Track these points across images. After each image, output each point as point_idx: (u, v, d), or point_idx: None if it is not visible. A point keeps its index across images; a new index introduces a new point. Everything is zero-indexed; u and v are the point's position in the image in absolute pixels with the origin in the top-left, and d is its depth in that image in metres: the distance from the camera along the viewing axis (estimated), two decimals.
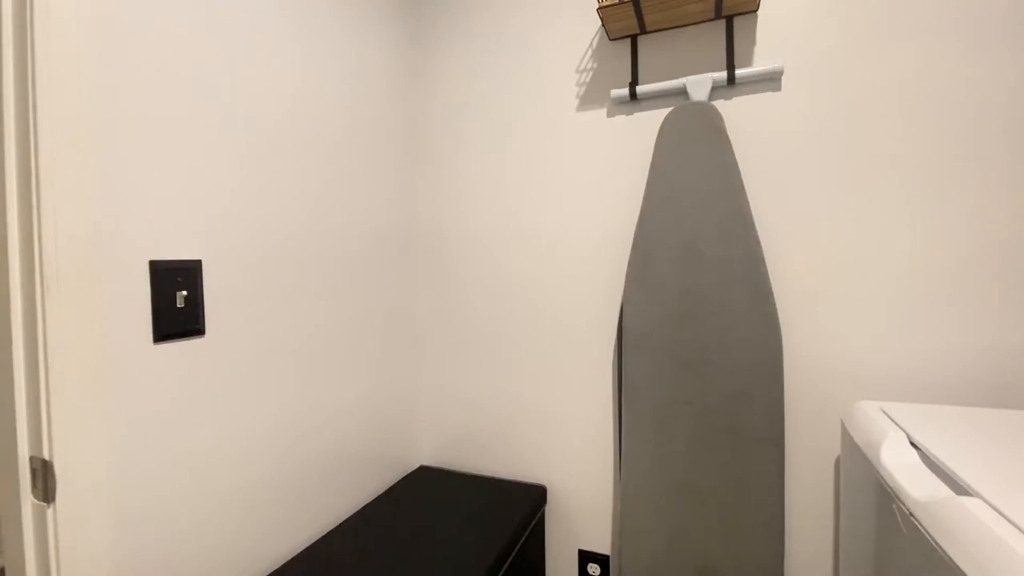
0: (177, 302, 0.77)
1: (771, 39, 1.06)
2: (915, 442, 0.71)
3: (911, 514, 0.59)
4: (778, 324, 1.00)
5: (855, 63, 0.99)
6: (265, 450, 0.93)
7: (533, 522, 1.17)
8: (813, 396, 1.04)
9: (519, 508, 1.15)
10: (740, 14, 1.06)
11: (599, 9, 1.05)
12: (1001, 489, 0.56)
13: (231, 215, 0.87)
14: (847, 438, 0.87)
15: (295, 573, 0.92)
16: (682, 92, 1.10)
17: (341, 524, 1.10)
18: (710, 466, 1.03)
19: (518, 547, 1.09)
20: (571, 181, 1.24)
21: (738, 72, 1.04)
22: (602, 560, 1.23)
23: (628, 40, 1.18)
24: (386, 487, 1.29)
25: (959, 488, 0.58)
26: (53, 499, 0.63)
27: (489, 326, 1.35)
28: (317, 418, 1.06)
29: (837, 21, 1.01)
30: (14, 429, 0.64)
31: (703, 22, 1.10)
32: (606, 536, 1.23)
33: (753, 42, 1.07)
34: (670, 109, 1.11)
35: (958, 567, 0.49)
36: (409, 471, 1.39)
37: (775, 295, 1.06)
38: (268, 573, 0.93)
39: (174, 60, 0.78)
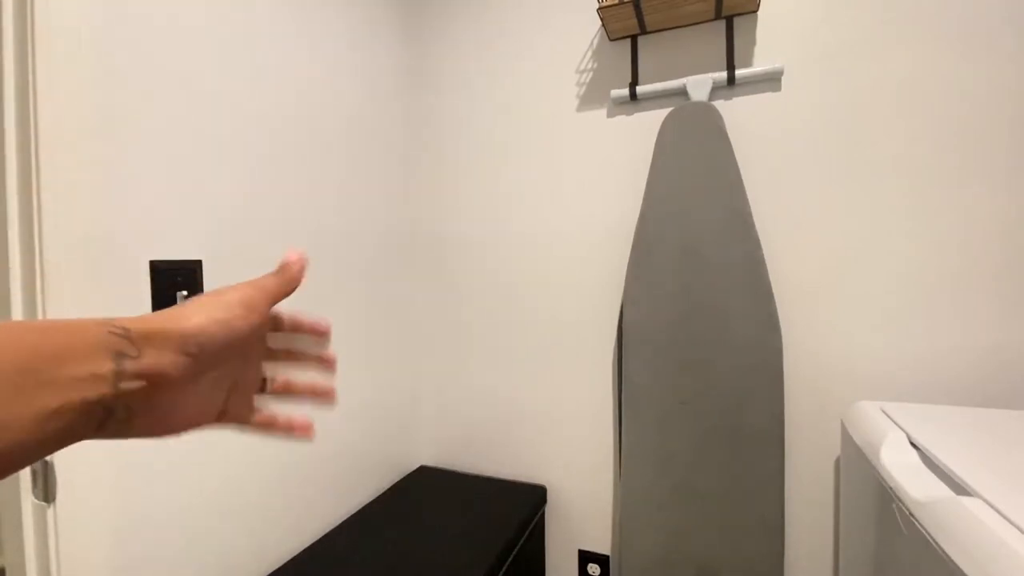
0: (177, 302, 0.77)
1: (771, 39, 1.06)
2: (915, 442, 0.71)
3: (911, 514, 0.59)
4: (778, 324, 1.00)
5: (855, 63, 0.99)
6: (265, 450, 0.93)
7: (533, 522, 1.17)
8: (813, 396, 1.04)
9: (519, 508, 1.15)
10: (740, 14, 1.06)
11: (599, 9, 1.05)
12: (1001, 489, 0.56)
13: (231, 215, 0.87)
14: (847, 438, 0.87)
15: (295, 573, 0.92)
16: (682, 92, 1.10)
17: (341, 524, 1.10)
18: (710, 466, 1.03)
19: (518, 547, 1.09)
20: (571, 181, 1.24)
21: (738, 72, 1.04)
22: (602, 560, 1.23)
23: (628, 40, 1.17)
24: (386, 487, 1.29)
25: (959, 488, 0.58)
26: (53, 499, 0.63)
27: (489, 326, 1.35)
28: (317, 418, 1.05)
29: (837, 21, 1.01)
30: None
31: (703, 22, 1.10)
32: (606, 536, 1.23)
33: (753, 42, 1.07)
34: (670, 109, 1.11)
35: (958, 567, 0.49)
36: (409, 471, 1.39)
37: (775, 295, 1.06)
38: (268, 573, 0.93)
39: (175, 60, 0.78)
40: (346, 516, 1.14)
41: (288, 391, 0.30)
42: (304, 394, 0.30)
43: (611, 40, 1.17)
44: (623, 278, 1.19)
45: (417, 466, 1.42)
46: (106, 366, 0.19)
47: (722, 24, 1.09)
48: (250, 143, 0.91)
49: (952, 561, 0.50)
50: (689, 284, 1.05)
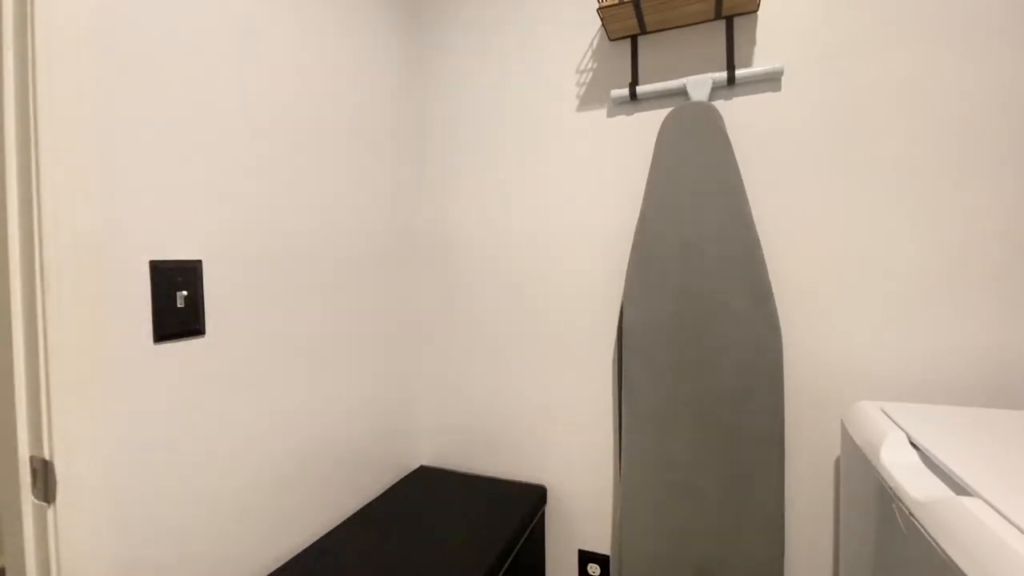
0: (177, 302, 0.77)
1: (771, 39, 1.06)
2: (915, 442, 0.71)
3: (911, 514, 0.59)
4: (778, 324, 1.00)
5: (855, 63, 0.99)
6: (265, 450, 0.93)
7: (533, 522, 1.17)
8: (813, 396, 1.04)
9: (519, 508, 1.15)
10: (740, 14, 1.06)
11: (599, 9, 1.05)
12: (1001, 489, 0.56)
13: (231, 215, 0.87)
14: (847, 438, 0.87)
15: (295, 573, 0.92)
16: (682, 92, 1.10)
17: (341, 524, 1.10)
18: (710, 466, 1.03)
19: (518, 547, 1.09)
20: (571, 181, 1.24)
21: (738, 72, 1.04)
22: (602, 560, 1.23)
23: (628, 40, 1.17)
24: (386, 487, 1.29)
25: (959, 488, 0.58)
26: (53, 499, 0.63)
27: (489, 326, 1.35)
28: (317, 418, 1.06)
29: (837, 21, 1.01)
30: (14, 429, 0.64)
31: (703, 22, 1.10)
32: (606, 536, 1.23)
33: (753, 42, 1.07)
34: (670, 109, 1.11)
35: (958, 567, 0.49)
36: (409, 471, 1.39)
37: (775, 295, 1.06)
38: (268, 573, 0.93)
39: (176, 60, 0.78)
40: (346, 516, 1.14)
41: None
42: None
43: (611, 40, 1.17)
44: (623, 278, 1.19)
45: (417, 466, 1.42)
46: None
47: (722, 24, 1.09)
48: (250, 143, 0.91)
49: (952, 561, 0.50)
50: (689, 284, 1.05)
